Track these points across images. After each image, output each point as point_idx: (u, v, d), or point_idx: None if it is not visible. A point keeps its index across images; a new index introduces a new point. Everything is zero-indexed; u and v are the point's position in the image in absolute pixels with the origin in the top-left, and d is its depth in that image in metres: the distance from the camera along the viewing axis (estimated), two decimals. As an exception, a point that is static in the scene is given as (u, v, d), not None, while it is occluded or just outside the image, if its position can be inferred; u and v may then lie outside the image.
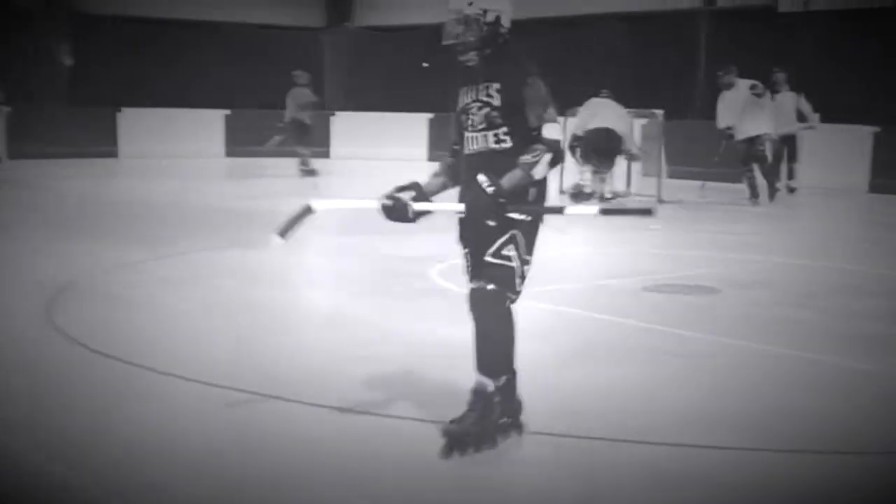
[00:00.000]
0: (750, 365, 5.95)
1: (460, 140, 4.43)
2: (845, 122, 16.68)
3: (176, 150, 21.17)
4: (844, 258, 10.00)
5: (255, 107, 22.10)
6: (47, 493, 3.90)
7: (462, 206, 4.27)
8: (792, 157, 15.99)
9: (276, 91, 18.78)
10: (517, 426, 4.43)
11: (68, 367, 5.59)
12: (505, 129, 4.28)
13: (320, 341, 6.31)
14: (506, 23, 4.36)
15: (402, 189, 4.38)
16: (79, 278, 8.09)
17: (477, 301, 4.30)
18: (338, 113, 23.59)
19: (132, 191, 16.30)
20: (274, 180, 17.38)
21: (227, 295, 7.70)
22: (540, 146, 4.19)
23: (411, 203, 4.33)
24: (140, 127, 21.52)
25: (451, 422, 4.29)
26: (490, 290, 4.27)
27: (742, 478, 4.14)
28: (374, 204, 4.34)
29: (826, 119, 16.32)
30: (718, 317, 7.27)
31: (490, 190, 4.12)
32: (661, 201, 14.35)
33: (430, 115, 22.01)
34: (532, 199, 4.29)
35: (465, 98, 4.40)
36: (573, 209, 4.49)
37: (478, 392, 4.33)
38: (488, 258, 4.28)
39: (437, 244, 7.10)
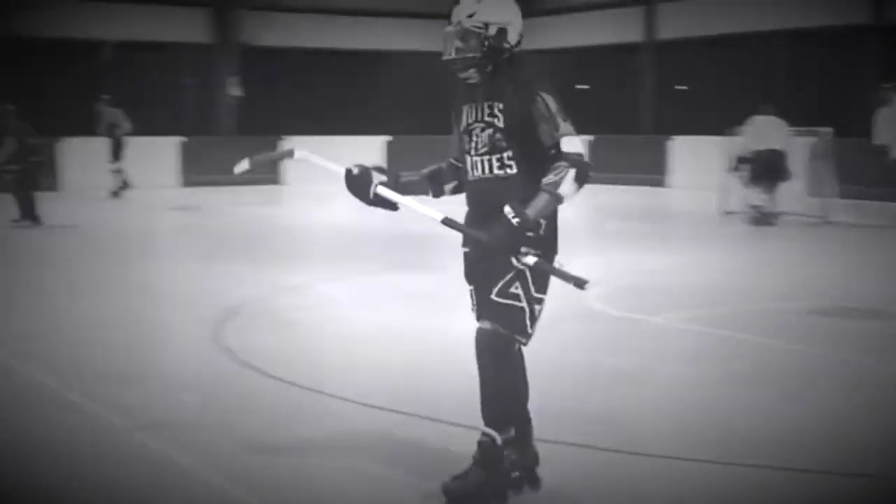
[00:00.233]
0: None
1: (462, 163, 4.03)
2: None
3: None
4: None
5: (416, 133, 22.44)
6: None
7: (430, 212, 3.88)
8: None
9: (434, 117, 18.98)
10: (532, 480, 4.02)
11: (236, 386, 5.76)
12: (509, 153, 3.86)
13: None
14: (512, 37, 3.91)
15: (376, 169, 4.03)
16: (247, 301, 8.34)
17: (481, 344, 3.88)
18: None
19: (298, 216, 16.75)
20: (437, 203, 17.51)
21: (392, 317, 7.83)
22: (561, 163, 3.74)
23: (377, 183, 3.97)
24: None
25: (454, 478, 3.89)
26: (495, 333, 3.84)
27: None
28: (329, 164, 4.05)
29: None
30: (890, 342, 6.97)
31: (515, 222, 3.66)
32: (827, 222, 13.96)
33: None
34: (543, 233, 3.81)
35: (467, 117, 3.98)
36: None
37: (483, 445, 3.91)
38: (494, 297, 3.84)
39: (598, 267, 6.99)
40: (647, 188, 20.78)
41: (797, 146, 14.74)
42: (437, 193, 4.20)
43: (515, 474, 3.94)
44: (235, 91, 22.86)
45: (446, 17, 3.99)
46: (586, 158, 3.79)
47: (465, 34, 3.87)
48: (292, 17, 23.61)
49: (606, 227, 14.42)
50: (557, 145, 3.78)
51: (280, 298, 8.63)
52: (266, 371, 5.99)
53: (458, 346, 6.94)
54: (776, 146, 13.95)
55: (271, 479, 4.25)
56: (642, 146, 22.27)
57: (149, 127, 19.63)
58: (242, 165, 4.12)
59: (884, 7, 19.43)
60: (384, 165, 4.09)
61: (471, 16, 3.88)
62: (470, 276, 4.03)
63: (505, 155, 3.87)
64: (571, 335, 6.87)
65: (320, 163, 4.09)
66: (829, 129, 15.62)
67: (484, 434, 3.90)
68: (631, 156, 21.51)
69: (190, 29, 22.86)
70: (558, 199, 3.74)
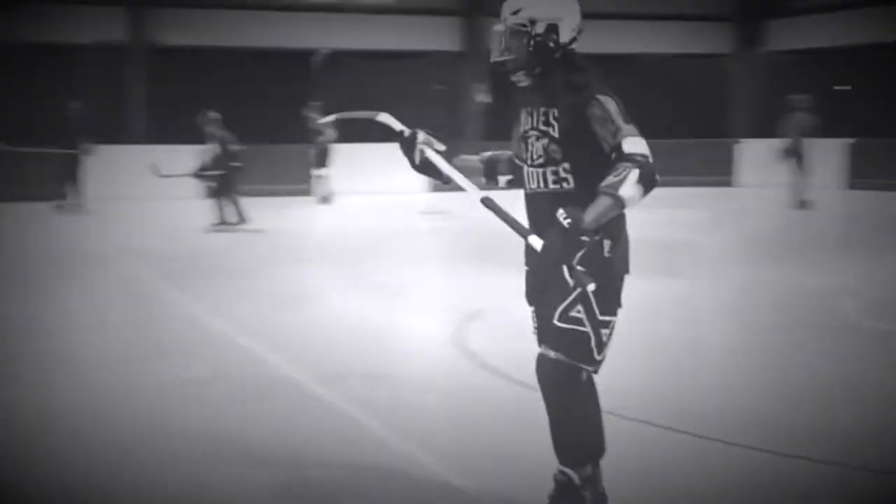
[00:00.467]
0: None
1: (519, 172, 3.75)
2: None
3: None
4: None
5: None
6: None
7: (472, 187, 3.67)
8: None
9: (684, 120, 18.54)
10: None
11: (478, 391, 5.76)
12: (566, 165, 3.52)
13: (736, 376, 6.07)
14: (565, 35, 3.56)
15: (431, 134, 3.81)
16: (491, 305, 8.34)
17: (544, 375, 3.57)
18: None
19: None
20: (688, 211, 17.09)
21: (641, 325, 7.60)
22: (624, 163, 3.33)
23: (422, 148, 3.75)
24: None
25: None
26: (557, 362, 3.53)
27: None
28: (396, 125, 3.88)
29: None
30: None
31: (567, 223, 3.28)
32: None
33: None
34: (608, 252, 3.48)
35: (524, 124, 3.66)
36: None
37: (560, 484, 3.61)
38: (556, 322, 3.53)
39: (853, 276, 6.58)
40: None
41: None
42: (491, 179, 3.93)
43: None
44: (483, 97, 23.15)
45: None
46: (651, 160, 3.37)
47: (510, 33, 3.58)
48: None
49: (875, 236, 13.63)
50: (619, 147, 3.38)
51: (521, 302, 8.58)
52: (509, 375, 5.97)
53: (700, 354, 6.82)
54: None
55: (517, 485, 4.20)
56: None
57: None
58: (329, 118, 4.15)
59: None
60: (439, 134, 3.87)
61: (515, 13, 3.59)
62: (530, 296, 3.79)
63: (561, 168, 3.54)
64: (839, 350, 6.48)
65: (394, 125, 3.89)
66: None
67: (560, 471, 3.62)
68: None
69: (437, 37, 23.32)
70: (620, 203, 3.33)
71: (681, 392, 5.67)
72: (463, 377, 6.04)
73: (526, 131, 3.64)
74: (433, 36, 23.25)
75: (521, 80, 3.62)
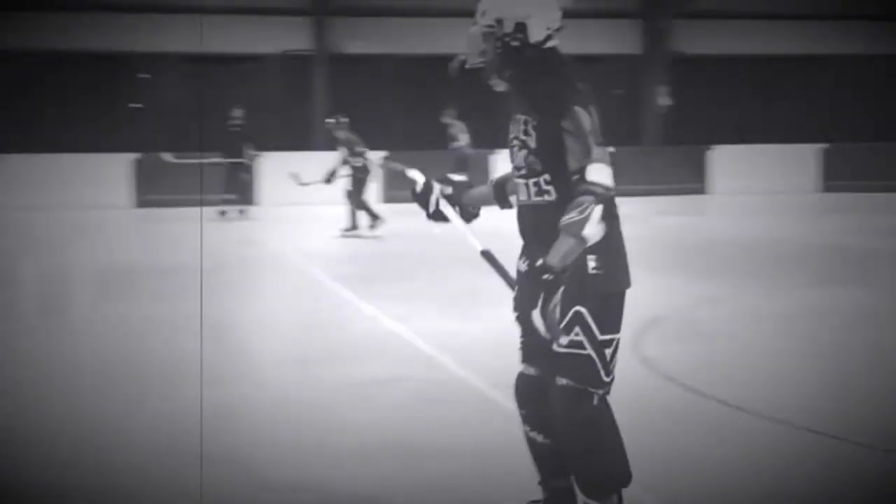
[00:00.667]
0: None
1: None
2: None
3: (766, 187, 20.86)
4: None
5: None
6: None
7: (474, 241, 3.57)
8: None
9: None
10: None
11: (655, 398, 5.67)
12: (546, 176, 3.32)
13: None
14: (536, 34, 3.32)
15: (445, 180, 3.69)
16: (668, 311, 8.24)
17: (557, 404, 3.35)
18: None
19: (722, 226, 16.39)
20: (872, 216, 16.42)
21: (819, 334, 7.39)
22: (586, 197, 3.14)
23: (437, 198, 3.67)
24: (732, 164, 21.54)
25: None
26: (566, 389, 3.31)
27: None
28: (420, 178, 3.77)
29: None
30: None
31: (535, 265, 3.19)
32: None
33: None
34: (595, 269, 3.26)
35: (511, 132, 3.48)
36: None
37: None
38: (556, 347, 3.31)
39: None
40: None
41: None
42: (502, 202, 3.71)
43: None
44: (664, 100, 22.80)
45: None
46: (612, 191, 3.21)
47: (482, 36, 3.36)
48: (727, 24, 23.02)
49: None
50: (584, 172, 3.18)
51: (701, 310, 8.45)
52: (686, 383, 5.87)
53: (862, 361, 6.52)
54: None
55: (699, 493, 4.14)
56: None
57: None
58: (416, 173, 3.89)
59: None
60: (464, 177, 3.77)
61: (484, 13, 3.37)
62: (519, 302, 3.51)
63: (542, 179, 3.35)
64: None
65: (418, 178, 3.79)
66: None
67: None
68: None
69: (619, 41, 23.09)
70: (583, 243, 3.17)
71: None
72: (641, 384, 5.97)
73: (511, 140, 3.48)
74: (612, 39, 23.03)
75: (497, 84, 3.44)
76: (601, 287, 3.30)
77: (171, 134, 19.75)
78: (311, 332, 7.78)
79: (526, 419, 3.58)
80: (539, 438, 3.55)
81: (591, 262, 3.26)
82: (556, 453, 3.50)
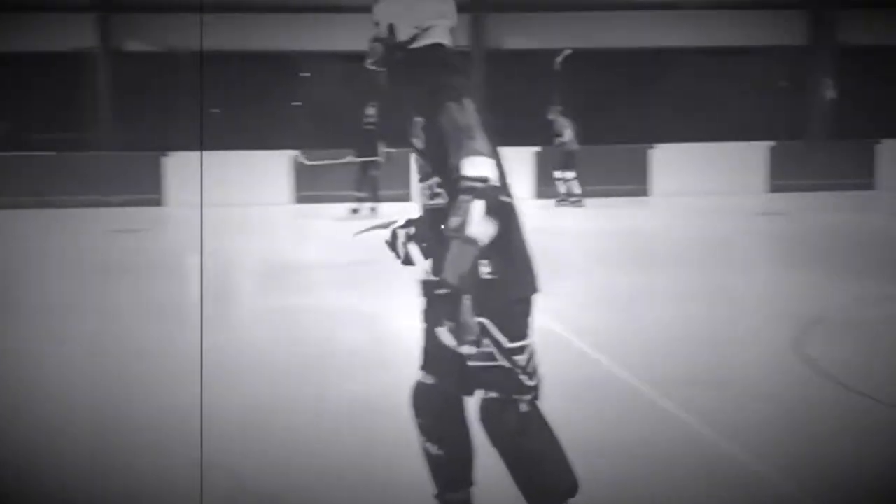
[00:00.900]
0: None
1: None
2: None
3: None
4: None
5: None
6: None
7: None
8: None
9: None
10: None
11: (816, 398, 5.54)
12: (437, 179, 3.20)
13: None
14: (403, 34, 3.30)
15: (406, 223, 3.51)
16: (831, 310, 8.01)
17: (484, 418, 3.22)
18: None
19: (892, 224, 15.78)
20: None
21: None
22: (463, 196, 2.91)
23: (405, 242, 3.50)
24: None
25: None
26: (491, 401, 3.20)
27: None
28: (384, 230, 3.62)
29: None
30: None
31: (441, 294, 2.96)
32: None
33: None
34: (491, 273, 3.10)
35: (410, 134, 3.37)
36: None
37: None
38: (470, 362, 3.18)
39: None
40: None
41: None
42: None
43: None
44: (831, 93, 22.06)
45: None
46: (495, 181, 2.96)
47: (377, 42, 3.39)
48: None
49: None
50: (458, 168, 2.96)
51: (867, 310, 8.17)
52: (848, 384, 5.71)
53: None
54: None
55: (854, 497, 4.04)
56: None
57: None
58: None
59: None
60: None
61: (376, 21, 3.40)
62: (426, 314, 3.36)
63: (433, 182, 3.24)
64: None
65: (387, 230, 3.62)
66: None
67: None
68: None
69: (784, 32, 22.43)
70: (473, 243, 2.93)
71: None
72: (801, 384, 5.84)
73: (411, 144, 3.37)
74: (778, 30, 22.38)
75: (387, 86, 3.44)
76: (499, 294, 3.17)
77: (327, 132, 20.03)
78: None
79: (422, 429, 3.49)
80: (433, 450, 3.47)
81: (484, 267, 3.14)
82: (451, 465, 3.46)
